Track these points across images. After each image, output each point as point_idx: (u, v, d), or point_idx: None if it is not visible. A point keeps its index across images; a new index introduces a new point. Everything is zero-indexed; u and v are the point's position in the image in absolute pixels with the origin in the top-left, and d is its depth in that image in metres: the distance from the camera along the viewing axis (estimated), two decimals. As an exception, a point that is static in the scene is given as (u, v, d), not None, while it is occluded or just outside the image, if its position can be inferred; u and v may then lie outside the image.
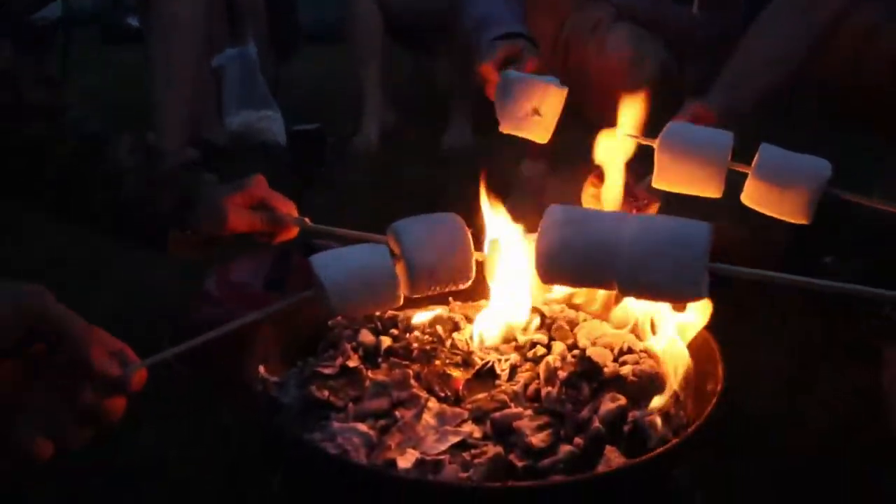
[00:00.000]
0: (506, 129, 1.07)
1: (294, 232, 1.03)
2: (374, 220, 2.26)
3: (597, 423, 0.78)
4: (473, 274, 0.79)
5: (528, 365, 0.90)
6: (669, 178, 0.92)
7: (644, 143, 0.95)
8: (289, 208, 1.02)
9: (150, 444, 1.10)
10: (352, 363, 0.86)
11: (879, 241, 1.63)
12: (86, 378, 0.59)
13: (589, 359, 0.87)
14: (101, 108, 2.29)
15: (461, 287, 0.80)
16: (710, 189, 0.90)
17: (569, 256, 0.73)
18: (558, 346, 0.92)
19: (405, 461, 0.73)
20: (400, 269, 0.75)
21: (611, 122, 1.88)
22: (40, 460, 0.58)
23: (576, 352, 0.91)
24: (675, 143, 0.90)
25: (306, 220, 1.02)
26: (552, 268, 0.74)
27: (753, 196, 0.88)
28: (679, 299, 0.72)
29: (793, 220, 0.88)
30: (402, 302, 0.76)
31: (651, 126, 1.79)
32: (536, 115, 1.05)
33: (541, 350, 0.92)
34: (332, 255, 0.75)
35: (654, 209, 0.96)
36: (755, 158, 0.89)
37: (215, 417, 1.13)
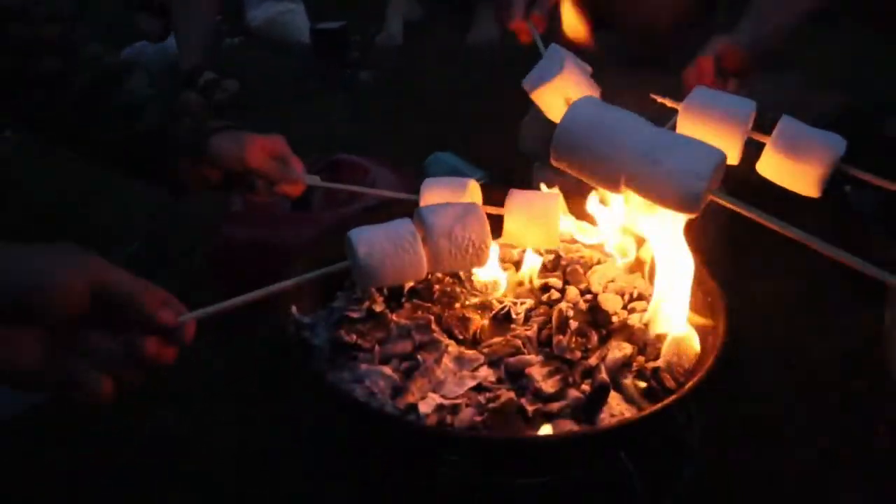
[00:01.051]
0: (531, 92, 1.06)
1: (300, 189, 1.09)
2: (394, 125, 2.28)
3: (603, 373, 0.84)
4: (489, 258, 0.82)
5: (542, 308, 0.96)
6: None
7: (670, 105, 0.95)
8: (301, 167, 1.08)
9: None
10: (378, 307, 0.93)
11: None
12: (147, 331, 0.65)
13: (599, 307, 0.93)
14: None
15: (479, 268, 0.84)
16: (728, 155, 0.91)
17: (586, 132, 0.75)
18: (572, 291, 0.97)
19: (426, 405, 0.81)
20: (424, 249, 0.79)
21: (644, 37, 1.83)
22: (104, 396, 0.65)
23: (588, 297, 0.97)
24: (698, 109, 0.91)
25: (318, 177, 1.08)
26: (568, 141, 0.76)
27: (769, 167, 0.89)
28: (676, 206, 0.73)
29: (804, 194, 0.89)
30: (425, 275, 0.80)
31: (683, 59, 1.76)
32: (566, 103, 1.03)
33: (555, 294, 0.97)
34: (368, 231, 0.78)
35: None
36: (774, 130, 0.89)
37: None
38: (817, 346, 1.29)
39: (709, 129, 0.90)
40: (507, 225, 0.91)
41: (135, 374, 0.65)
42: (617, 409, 0.83)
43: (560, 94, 0.99)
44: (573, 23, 1.14)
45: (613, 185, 0.75)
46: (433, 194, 0.97)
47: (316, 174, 1.55)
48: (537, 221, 0.88)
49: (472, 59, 2.50)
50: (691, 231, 1.13)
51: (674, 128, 1.08)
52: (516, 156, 1.87)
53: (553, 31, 1.34)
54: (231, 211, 1.56)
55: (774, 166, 0.90)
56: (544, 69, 1.02)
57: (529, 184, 1.70)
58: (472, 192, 0.98)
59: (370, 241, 0.77)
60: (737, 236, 1.48)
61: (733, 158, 0.93)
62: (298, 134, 2.11)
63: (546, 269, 1.02)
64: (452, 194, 0.97)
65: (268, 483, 1.05)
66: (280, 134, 1.11)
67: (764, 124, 1.68)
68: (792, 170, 0.88)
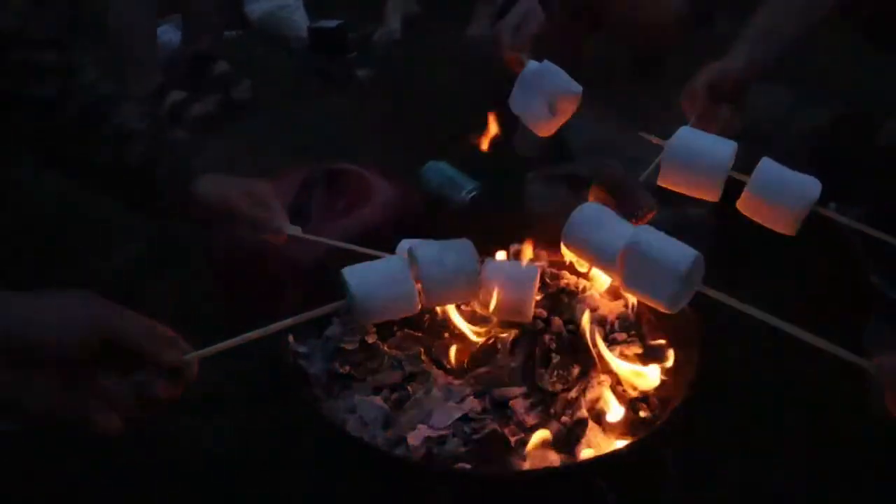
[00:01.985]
0: (516, 111, 1.10)
1: (283, 238, 1.07)
2: (392, 125, 2.30)
3: (582, 407, 0.90)
4: (490, 281, 0.86)
5: (527, 338, 1.00)
6: (673, 179, 0.97)
7: (655, 142, 0.99)
8: (285, 217, 1.07)
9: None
10: (370, 339, 0.98)
11: (882, 188, 1.66)
12: (154, 374, 0.70)
13: (580, 339, 0.97)
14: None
15: (472, 299, 0.88)
16: (708, 194, 0.96)
17: (583, 242, 0.81)
18: (556, 322, 1.02)
19: (414, 438, 0.86)
20: (417, 284, 0.83)
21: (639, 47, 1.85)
22: (111, 432, 0.70)
23: (571, 326, 1.02)
24: (682, 150, 0.94)
25: (299, 228, 1.08)
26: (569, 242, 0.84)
27: (747, 206, 0.93)
28: (660, 308, 0.79)
29: (780, 232, 0.93)
30: (419, 310, 0.84)
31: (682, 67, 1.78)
32: (550, 112, 1.07)
33: (540, 324, 1.02)
34: (362, 269, 0.82)
35: (650, 216, 1.02)
36: (753, 172, 0.93)
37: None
38: (797, 365, 1.34)
39: (691, 170, 0.94)
40: (481, 296, 0.90)
41: (143, 413, 0.70)
42: (595, 440, 0.89)
43: (541, 99, 1.04)
44: None
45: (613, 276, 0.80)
46: None
47: (315, 184, 1.60)
48: (511, 296, 0.88)
49: (471, 55, 2.52)
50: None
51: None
52: (513, 158, 1.91)
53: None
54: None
55: (752, 206, 0.94)
56: (521, 86, 1.07)
57: (521, 195, 1.75)
58: None
59: (363, 277, 0.81)
60: (723, 257, 1.53)
61: (714, 196, 0.97)
62: (296, 134, 2.17)
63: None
64: None
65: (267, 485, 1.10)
66: (266, 181, 1.11)
67: (758, 136, 1.72)
68: (768, 211, 0.92)
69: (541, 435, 0.86)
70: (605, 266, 0.82)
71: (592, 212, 0.80)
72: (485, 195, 1.67)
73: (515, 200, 1.67)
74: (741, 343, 1.31)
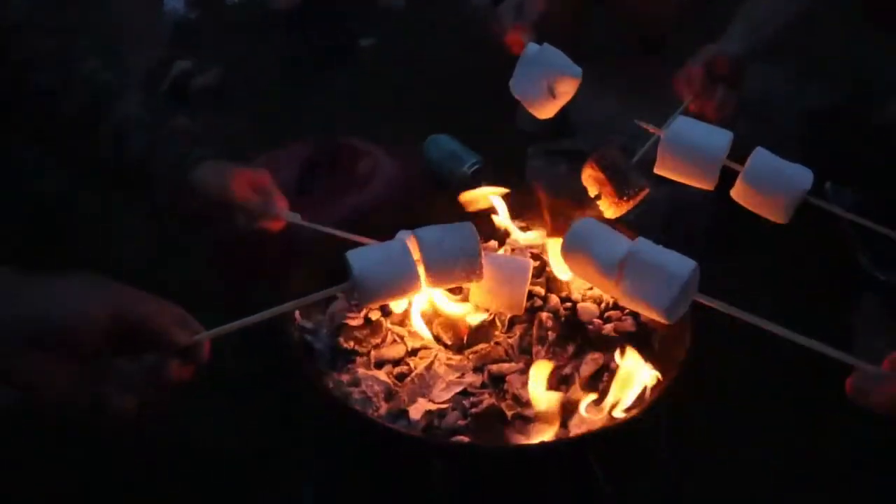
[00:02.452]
0: (517, 94, 1.12)
1: (281, 224, 1.09)
2: (395, 97, 2.30)
3: (576, 383, 0.94)
4: (483, 273, 0.88)
5: (524, 315, 1.04)
6: (669, 168, 0.99)
7: (653, 131, 1.01)
8: (284, 204, 1.08)
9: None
10: (374, 315, 1.01)
11: (877, 167, 1.69)
12: (168, 355, 0.73)
13: (576, 317, 1.01)
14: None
15: (473, 281, 0.90)
16: (704, 183, 0.98)
17: (583, 252, 0.83)
18: (553, 299, 1.05)
19: (415, 411, 0.90)
20: (420, 268, 0.86)
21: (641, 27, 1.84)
22: (127, 417, 0.74)
23: (568, 305, 1.05)
24: (679, 138, 0.96)
25: (299, 215, 1.09)
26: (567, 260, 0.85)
27: (741, 194, 0.96)
28: (657, 317, 0.80)
29: (772, 220, 0.96)
30: (422, 291, 0.87)
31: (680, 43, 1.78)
32: (551, 95, 1.09)
33: (538, 302, 1.05)
34: (365, 252, 0.85)
35: (642, 195, 1.04)
36: (747, 162, 0.95)
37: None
38: (785, 347, 1.38)
39: (687, 159, 0.96)
40: (473, 287, 0.93)
41: (157, 394, 0.73)
42: (587, 415, 0.93)
43: (541, 82, 1.06)
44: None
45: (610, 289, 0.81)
46: None
47: (318, 160, 1.62)
48: (503, 288, 0.90)
49: (476, 19, 2.51)
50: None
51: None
52: (515, 134, 1.93)
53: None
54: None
55: (745, 195, 0.96)
56: (522, 67, 1.09)
57: (523, 169, 1.77)
58: None
59: (366, 259, 0.84)
60: (719, 235, 1.56)
61: (709, 186, 0.99)
62: (298, 106, 2.18)
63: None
64: None
65: (267, 483, 1.15)
66: (263, 165, 1.12)
67: (757, 115, 1.73)
68: (761, 199, 0.95)
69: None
70: (604, 276, 0.79)
71: (592, 224, 0.81)
72: (486, 169, 1.69)
73: (517, 175, 1.69)
74: (732, 323, 1.35)
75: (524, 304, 0.95)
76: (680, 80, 1.34)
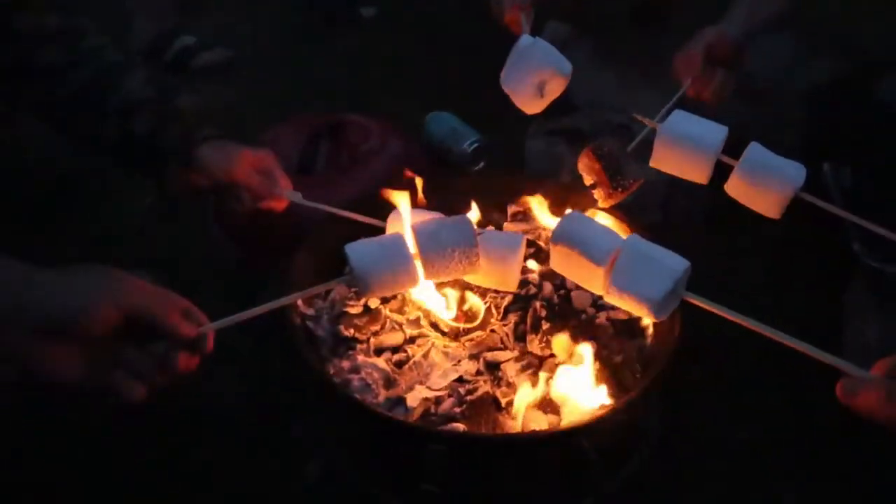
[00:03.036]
0: (506, 87, 1.12)
1: (283, 204, 1.12)
2: (397, 69, 2.28)
3: (568, 370, 0.97)
4: (478, 268, 0.90)
5: (520, 303, 1.07)
6: (664, 161, 1.00)
7: (648, 124, 1.02)
8: (287, 184, 1.11)
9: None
10: (373, 304, 1.04)
11: (876, 145, 1.69)
12: (174, 345, 0.76)
13: (570, 305, 1.04)
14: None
15: (471, 273, 0.92)
16: (698, 176, 0.99)
17: (574, 241, 0.84)
18: (547, 287, 1.08)
19: (412, 399, 0.94)
20: (418, 261, 0.88)
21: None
22: (137, 400, 0.78)
23: (562, 292, 1.08)
24: (674, 132, 0.97)
25: (300, 194, 1.12)
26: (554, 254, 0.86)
27: (735, 189, 0.96)
28: (645, 313, 0.78)
29: (765, 214, 0.97)
30: (419, 283, 0.89)
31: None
32: (539, 93, 1.10)
33: (532, 289, 1.08)
34: (363, 245, 0.87)
35: (637, 185, 1.06)
36: (742, 157, 0.96)
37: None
38: (773, 324, 1.40)
39: (682, 154, 0.97)
40: None
41: (164, 380, 0.77)
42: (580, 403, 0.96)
43: (531, 80, 1.07)
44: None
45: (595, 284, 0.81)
46: (398, 225, 1.04)
47: (321, 136, 1.63)
48: (496, 266, 0.91)
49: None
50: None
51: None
52: (515, 109, 1.93)
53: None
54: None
55: (739, 189, 0.97)
56: (514, 61, 1.10)
57: (522, 147, 1.78)
58: None
59: (364, 252, 0.86)
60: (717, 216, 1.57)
61: (703, 179, 1.00)
62: (301, 77, 2.18)
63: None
64: None
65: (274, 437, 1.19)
66: (266, 142, 1.13)
67: (756, 92, 1.73)
68: (754, 194, 0.96)
69: (525, 399, 0.93)
70: (593, 270, 0.79)
71: (582, 219, 0.82)
72: (486, 147, 1.70)
73: (516, 154, 1.70)
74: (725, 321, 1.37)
75: (517, 280, 0.95)
76: (679, 62, 1.34)
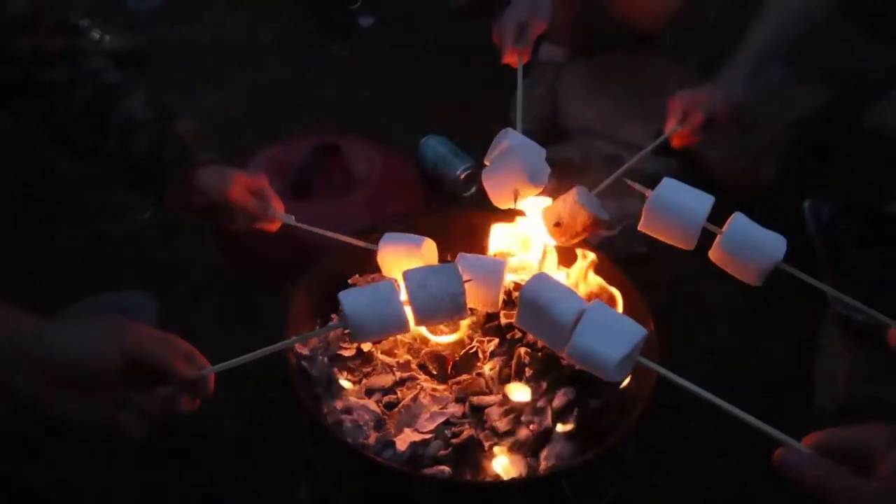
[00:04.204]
0: (485, 182, 1.16)
1: (276, 225, 1.19)
2: (396, 77, 2.30)
3: (548, 417, 1.03)
4: (467, 312, 0.96)
5: (505, 347, 1.12)
6: (652, 227, 1.05)
7: (641, 191, 1.06)
8: (279, 206, 1.17)
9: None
10: (365, 347, 1.10)
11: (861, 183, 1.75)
12: (176, 389, 0.80)
13: (552, 354, 1.09)
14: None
15: (459, 319, 0.98)
16: (684, 244, 1.03)
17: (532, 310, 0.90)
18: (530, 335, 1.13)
19: (401, 442, 1.00)
20: (408, 305, 0.93)
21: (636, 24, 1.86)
22: (139, 440, 0.83)
23: (546, 337, 1.13)
24: (663, 202, 1.01)
25: (293, 217, 1.18)
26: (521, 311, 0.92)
27: (717, 257, 1.01)
28: (601, 376, 0.85)
29: (745, 281, 1.02)
30: (409, 329, 0.95)
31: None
32: (514, 196, 1.15)
33: (518, 334, 1.14)
34: (355, 294, 0.92)
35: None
36: (725, 226, 1.00)
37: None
38: (747, 359, 1.47)
39: (671, 220, 1.02)
40: None
41: (167, 421, 0.82)
42: (559, 445, 1.02)
43: (508, 186, 1.12)
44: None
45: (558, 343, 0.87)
46: (390, 247, 1.11)
47: (317, 157, 1.67)
48: (479, 288, 0.96)
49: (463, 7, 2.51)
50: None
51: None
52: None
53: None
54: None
55: (721, 258, 1.02)
56: (495, 159, 1.16)
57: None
58: (426, 249, 1.10)
59: (356, 301, 0.91)
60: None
61: (689, 246, 1.04)
62: (298, 87, 2.20)
63: (511, 306, 1.18)
64: (408, 250, 1.10)
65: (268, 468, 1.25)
66: (261, 162, 1.18)
67: (747, 125, 1.77)
68: (735, 265, 1.00)
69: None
70: (556, 332, 0.85)
71: (547, 281, 0.89)
72: (478, 173, 1.74)
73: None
74: (696, 349, 1.43)
75: (500, 301, 1.03)
76: (675, 106, 1.39)
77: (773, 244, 0.98)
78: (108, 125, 1.12)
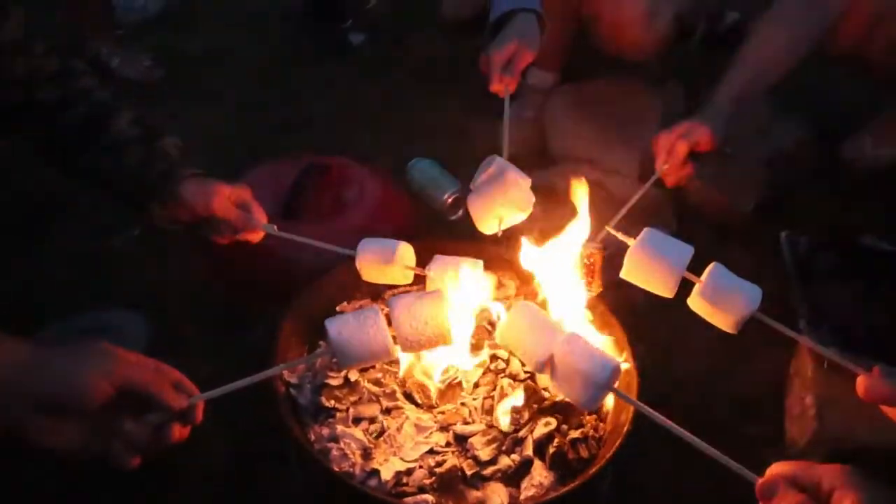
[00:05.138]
0: (471, 207, 1.21)
1: (259, 235, 1.23)
2: (387, 96, 2.32)
3: (529, 448, 1.06)
4: (453, 339, 0.98)
5: (489, 377, 1.16)
6: (634, 274, 1.07)
7: (623, 239, 1.09)
8: (261, 215, 1.21)
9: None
10: (353, 376, 1.12)
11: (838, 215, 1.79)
12: (164, 417, 0.83)
13: (534, 385, 1.13)
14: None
15: (445, 345, 1.00)
16: (664, 291, 1.06)
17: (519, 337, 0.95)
18: (514, 364, 1.17)
19: (387, 471, 1.02)
20: (393, 331, 0.95)
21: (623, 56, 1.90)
22: (130, 468, 0.85)
23: (528, 369, 1.17)
24: (645, 251, 1.04)
25: (275, 226, 1.22)
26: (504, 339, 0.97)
27: (696, 305, 1.04)
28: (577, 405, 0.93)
29: (723, 328, 1.05)
30: (395, 355, 0.97)
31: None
32: (498, 222, 1.18)
33: (501, 364, 1.17)
34: (341, 321, 0.94)
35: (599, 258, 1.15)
36: (704, 276, 1.04)
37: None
38: (722, 389, 1.50)
39: (652, 269, 1.05)
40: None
41: (156, 448, 0.83)
42: (539, 475, 1.06)
43: (492, 212, 1.16)
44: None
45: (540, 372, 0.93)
46: (367, 252, 1.16)
47: (307, 179, 1.69)
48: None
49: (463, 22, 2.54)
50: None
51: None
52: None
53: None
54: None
55: (700, 306, 1.05)
56: (482, 184, 1.19)
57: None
58: (403, 252, 1.14)
59: (342, 328, 0.94)
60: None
61: (669, 294, 1.07)
62: (289, 105, 2.23)
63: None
64: (383, 252, 1.15)
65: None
66: (251, 183, 1.23)
67: (728, 154, 1.81)
68: (713, 314, 1.03)
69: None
70: (537, 363, 0.91)
71: (529, 311, 0.93)
72: (465, 197, 1.77)
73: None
74: (675, 385, 1.46)
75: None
76: (660, 146, 1.42)
77: (748, 295, 1.01)
78: (98, 144, 1.15)
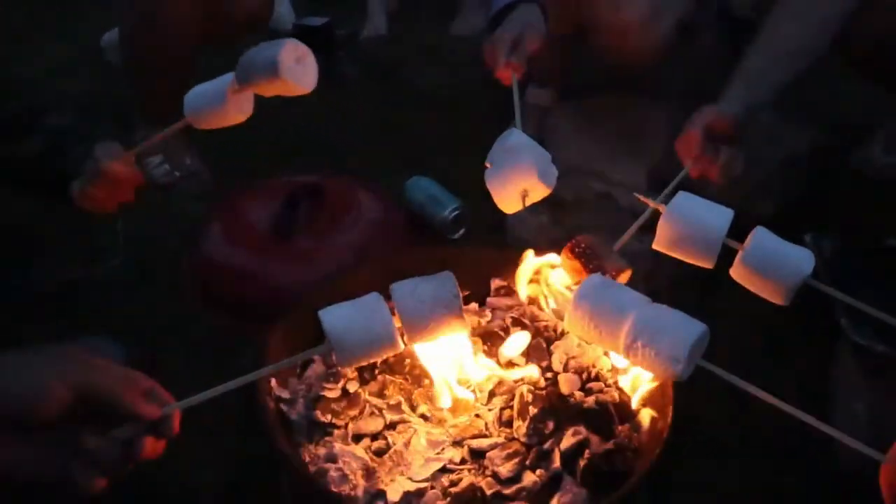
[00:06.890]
0: (490, 185, 1.09)
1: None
2: (381, 124, 2.26)
3: (556, 461, 0.92)
4: (464, 325, 0.86)
5: (505, 386, 1.03)
6: (668, 244, 0.97)
7: (652, 206, 0.99)
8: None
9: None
10: (351, 387, 0.99)
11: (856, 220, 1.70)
12: (137, 430, 0.70)
13: (557, 391, 1.00)
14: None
15: (459, 327, 0.85)
16: (702, 261, 0.95)
17: (590, 312, 0.81)
18: (532, 370, 1.04)
19: (394, 493, 0.88)
20: (398, 323, 0.82)
21: (624, 68, 1.85)
22: (95, 492, 0.71)
23: (549, 375, 1.04)
24: (679, 215, 0.94)
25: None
26: (577, 316, 0.82)
27: (740, 274, 0.93)
28: (664, 376, 0.80)
29: (771, 301, 0.93)
30: (401, 347, 0.83)
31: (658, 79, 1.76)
32: (522, 199, 1.08)
33: (516, 370, 1.04)
34: (338, 310, 0.82)
35: (625, 277, 1.02)
36: (747, 241, 0.93)
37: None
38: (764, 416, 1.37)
39: (688, 236, 0.94)
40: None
41: (126, 468, 0.71)
42: (569, 493, 0.91)
43: (515, 186, 1.04)
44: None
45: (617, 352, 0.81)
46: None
47: (300, 199, 1.60)
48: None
49: (458, 50, 2.50)
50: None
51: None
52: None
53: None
54: (210, 225, 1.59)
55: (744, 276, 0.93)
56: (499, 164, 1.07)
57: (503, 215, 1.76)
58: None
59: (339, 317, 0.80)
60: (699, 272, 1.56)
61: (709, 264, 0.96)
62: (281, 133, 2.15)
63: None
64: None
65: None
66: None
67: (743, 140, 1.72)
68: (760, 283, 0.92)
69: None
70: (613, 329, 0.79)
71: (603, 281, 0.82)
72: (467, 214, 1.67)
73: (497, 219, 1.68)
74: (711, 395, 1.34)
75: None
76: (679, 144, 1.33)
77: (799, 258, 0.90)
78: (62, 169, 1.12)
